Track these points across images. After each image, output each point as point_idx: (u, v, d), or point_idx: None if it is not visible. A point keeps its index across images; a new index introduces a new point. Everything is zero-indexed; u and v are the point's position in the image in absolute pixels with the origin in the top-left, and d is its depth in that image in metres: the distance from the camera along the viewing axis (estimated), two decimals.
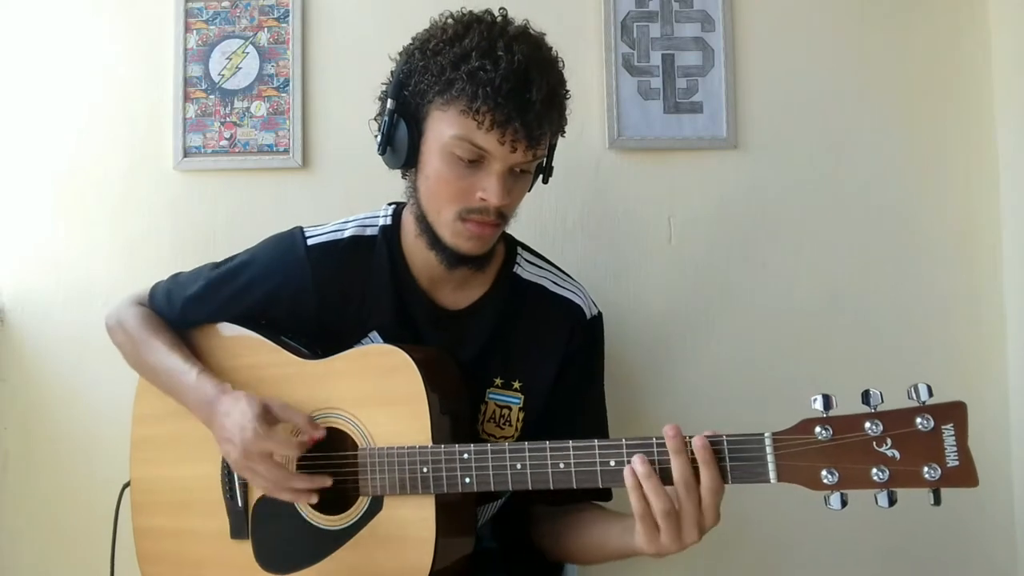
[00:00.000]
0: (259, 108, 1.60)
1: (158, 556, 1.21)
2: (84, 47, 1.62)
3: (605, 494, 1.18)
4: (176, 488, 1.20)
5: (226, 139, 1.59)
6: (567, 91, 1.09)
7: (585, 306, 1.22)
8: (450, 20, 1.08)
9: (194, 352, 1.20)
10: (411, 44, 1.10)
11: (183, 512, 1.19)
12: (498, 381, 1.18)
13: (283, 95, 1.60)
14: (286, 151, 1.59)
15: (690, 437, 0.92)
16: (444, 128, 1.03)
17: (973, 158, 1.60)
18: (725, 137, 1.59)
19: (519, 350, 1.18)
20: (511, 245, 1.24)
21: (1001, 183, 1.59)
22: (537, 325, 1.19)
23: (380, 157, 1.13)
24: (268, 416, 1.05)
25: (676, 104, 1.59)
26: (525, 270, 1.22)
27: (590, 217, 1.59)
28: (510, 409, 1.17)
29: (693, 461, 0.91)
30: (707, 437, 0.91)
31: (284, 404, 1.08)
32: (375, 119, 1.13)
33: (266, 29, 1.61)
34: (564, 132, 1.13)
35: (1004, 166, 1.58)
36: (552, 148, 1.15)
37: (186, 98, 1.60)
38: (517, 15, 1.11)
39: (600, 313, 1.25)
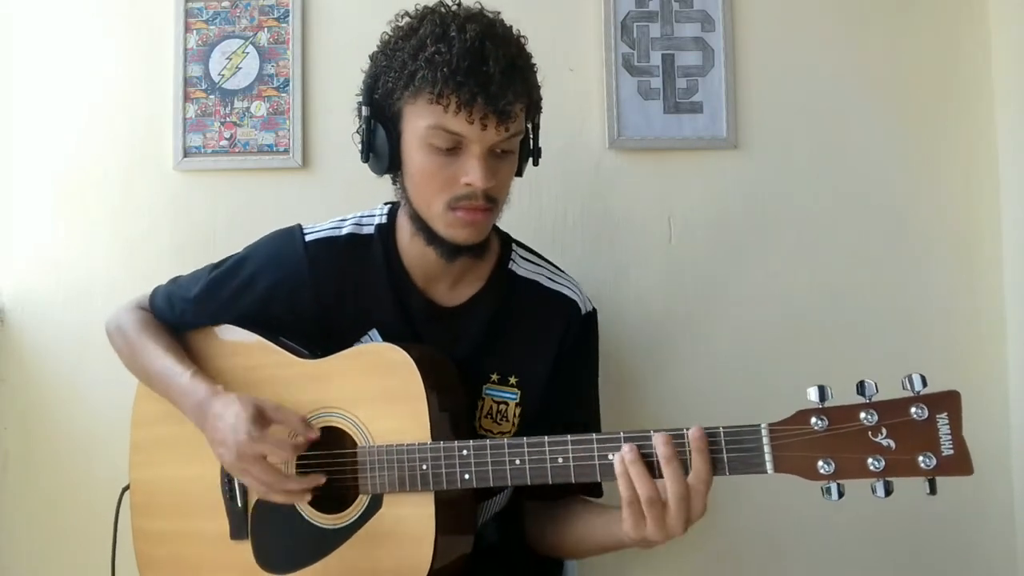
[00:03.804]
0: (259, 108, 1.60)
1: (157, 560, 1.21)
2: (84, 47, 1.62)
3: (596, 490, 1.20)
4: (175, 490, 1.19)
5: (226, 139, 1.59)
6: (532, 64, 1.09)
7: (580, 301, 1.23)
8: (406, 17, 1.10)
9: (193, 355, 1.20)
10: (375, 50, 1.12)
11: (182, 514, 1.19)
12: (494, 377, 1.18)
13: (283, 95, 1.60)
14: (286, 151, 1.59)
15: (686, 429, 0.93)
16: (417, 120, 1.05)
17: (973, 158, 1.60)
18: (725, 137, 1.59)
19: (515, 346, 1.19)
20: (506, 243, 1.25)
21: (1001, 183, 1.59)
22: (532, 321, 1.20)
23: (366, 165, 1.14)
24: (262, 418, 1.04)
25: (676, 104, 1.59)
26: (520, 266, 1.23)
27: (590, 217, 1.59)
28: (507, 405, 1.18)
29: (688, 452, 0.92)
30: (704, 429, 0.92)
31: (277, 405, 1.07)
32: (357, 132, 1.14)
33: (266, 29, 1.61)
34: (540, 107, 1.14)
35: (1004, 166, 1.58)
36: (536, 128, 1.15)
37: (186, 98, 1.60)
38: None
39: (595, 309, 1.26)
